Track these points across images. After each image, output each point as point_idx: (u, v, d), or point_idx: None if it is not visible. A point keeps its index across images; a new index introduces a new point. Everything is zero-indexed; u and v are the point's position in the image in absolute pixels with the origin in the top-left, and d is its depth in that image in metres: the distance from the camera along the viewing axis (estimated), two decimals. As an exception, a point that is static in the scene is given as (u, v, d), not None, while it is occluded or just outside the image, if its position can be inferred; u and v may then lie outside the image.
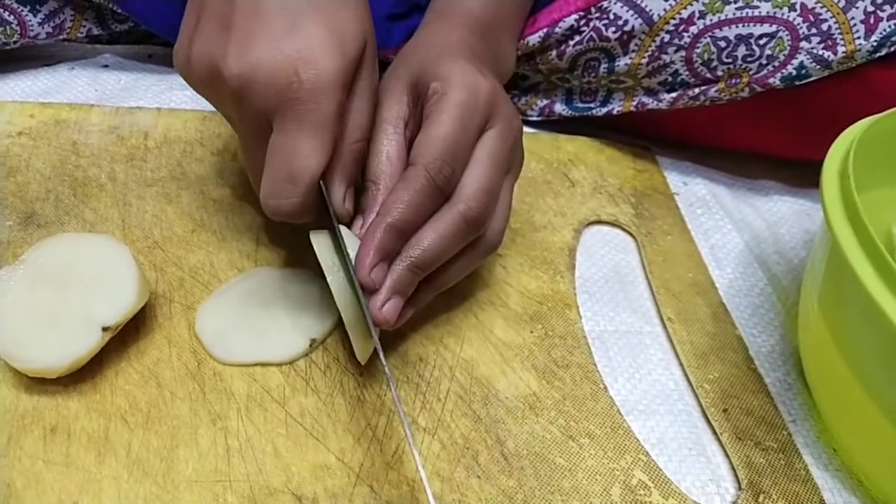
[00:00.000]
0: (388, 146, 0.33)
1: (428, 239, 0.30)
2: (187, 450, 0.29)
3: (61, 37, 0.47)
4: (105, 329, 0.30)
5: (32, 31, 0.45)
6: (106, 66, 0.49)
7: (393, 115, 0.33)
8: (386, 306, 0.30)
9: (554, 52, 0.45)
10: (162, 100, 0.47)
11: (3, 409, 0.29)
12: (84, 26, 0.47)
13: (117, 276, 0.32)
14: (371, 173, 0.33)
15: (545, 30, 0.44)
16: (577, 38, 0.44)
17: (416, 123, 0.33)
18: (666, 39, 0.42)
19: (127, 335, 0.32)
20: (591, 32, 0.44)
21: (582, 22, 0.44)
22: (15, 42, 0.45)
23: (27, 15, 0.45)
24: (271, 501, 0.28)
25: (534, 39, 0.45)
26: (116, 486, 0.27)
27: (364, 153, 0.32)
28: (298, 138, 0.29)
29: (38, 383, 0.30)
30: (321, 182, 0.30)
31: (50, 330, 0.30)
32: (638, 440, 0.32)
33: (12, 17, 0.44)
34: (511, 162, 0.34)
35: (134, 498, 0.27)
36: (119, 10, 0.47)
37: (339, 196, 0.31)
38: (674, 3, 0.41)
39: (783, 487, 0.31)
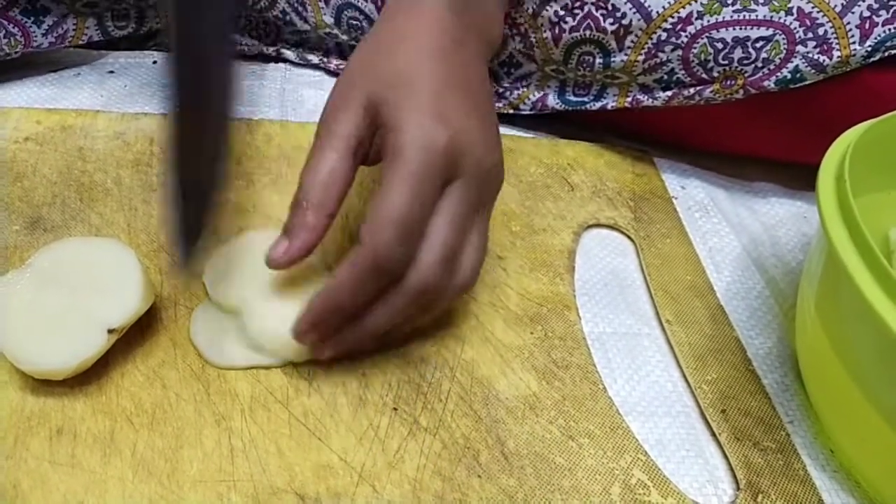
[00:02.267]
0: (336, 162, 0.30)
1: (380, 317, 0.30)
2: (192, 450, 0.29)
3: (63, 45, 0.47)
4: (111, 331, 0.30)
5: (36, 41, 0.46)
6: (111, 71, 0.50)
7: (344, 131, 0.31)
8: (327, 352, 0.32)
9: (549, 34, 0.45)
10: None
11: (9, 411, 0.30)
12: (85, 34, 0.48)
13: (123, 279, 0.32)
14: (307, 187, 0.30)
15: None
16: (572, 21, 0.43)
17: (365, 151, 0.32)
18: (663, 37, 0.42)
19: (132, 338, 0.32)
20: (588, 20, 0.43)
21: (577, 2, 0.43)
22: (17, 53, 0.46)
23: (31, 26, 0.45)
24: (275, 501, 0.28)
25: (529, 2, 0.44)
26: (122, 487, 0.28)
27: None
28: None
29: (45, 385, 0.30)
30: None
31: (56, 333, 0.30)
32: (637, 440, 0.33)
33: (16, 28, 0.45)
34: (480, 202, 0.32)
35: (139, 498, 0.28)
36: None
37: None
38: (672, 0, 0.42)
39: (782, 487, 0.32)
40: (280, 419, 0.31)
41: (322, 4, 0.50)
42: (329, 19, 0.50)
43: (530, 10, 0.44)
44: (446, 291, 0.31)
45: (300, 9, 0.50)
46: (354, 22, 0.50)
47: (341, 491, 0.29)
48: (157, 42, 0.53)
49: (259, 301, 0.33)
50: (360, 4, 0.49)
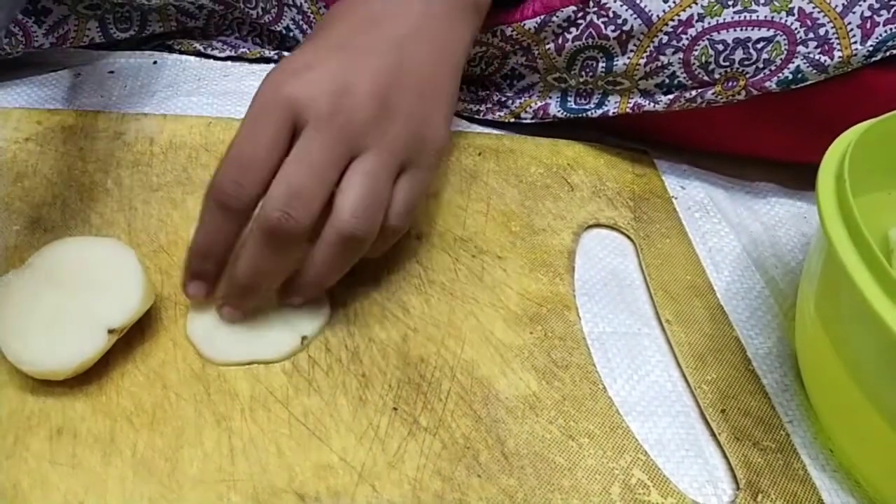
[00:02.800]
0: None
1: (247, 260, 0.31)
2: (192, 450, 0.29)
3: (64, 46, 0.47)
4: (111, 331, 0.30)
5: (37, 41, 0.46)
6: (112, 72, 0.50)
7: None
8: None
9: (552, 46, 0.45)
10: (167, 106, 0.47)
11: (9, 411, 0.30)
12: (87, 35, 0.48)
13: (123, 279, 0.32)
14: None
15: (542, 16, 0.44)
16: (575, 31, 0.44)
17: None
18: (664, 41, 0.43)
19: (133, 338, 0.33)
20: (590, 28, 0.44)
21: (579, 14, 0.43)
22: (18, 52, 0.46)
23: (32, 26, 0.45)
24: (275, 501, 0.28)
25: (530, 24, 0.44)
26: (122, 486, 0.28)
27: None
28: None
29: (45, 385, 0.30)
30: None
31: (56, 333, 0.30)
32: (637, 440, 0.33)
33: (17, 28, 0.45)
34: (346, 148, 0.31)
35: (139, 498, 0.28)
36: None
37: None
38: (673, 4, 0.42)
39: (782, 487, 0.32)
40: (280, 419, 0.31)
41: None
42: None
43: (532, 29, 0.45)
44: (371, 235, 0.32)
45: (305, 27, 0.51)
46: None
47: (341, 490, 0.29)
48: (158, 43, 0.53)
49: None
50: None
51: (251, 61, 0.53)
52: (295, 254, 0.32)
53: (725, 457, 0.33)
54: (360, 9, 0.36)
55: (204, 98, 0.48)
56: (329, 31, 0.35)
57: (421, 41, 0.35)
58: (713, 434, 0.34)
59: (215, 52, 0.52)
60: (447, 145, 0.35)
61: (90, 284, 0.32)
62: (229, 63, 0.52)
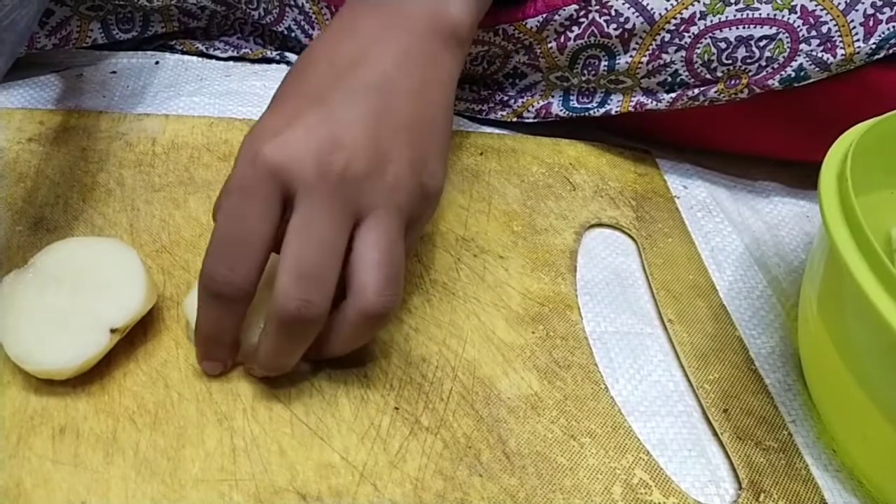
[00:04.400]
0: None
1: (267, 344, 0.30)
2: (194, 449, 0.29)
3: (67, 47, 0.48)
4: (113, 331, 0.30)
5: (39, 42, 0.46)
6: (114, 72, 0.50)
7: None
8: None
9: (554, 44, 0.45)
10: (169, 106, 0.47)
11: (12, 410, 0.30)
12: (89, 36, 0.48)
13: (125, 279, 0.32)
14: None
15: (544, 15, 0.44)
16: (577, 30, 0.44)
17: None
18: (666, 39, 0.43)
19: (135, 337, 0.33)
20: (592, 27, 0.43)
21: (581, 13, 0.43)
22: (20, 54, 0.46)
23: (35, 27, 0.46)
24: (276, 500, 0.28)
25: (532, 22, 0.44)
26: (124, 486, 0.28)
27: None
28: None
29: (48, 385, 0.30)
30: None
31: (59, 332, 0.30)
32: (639, 440, 0.33)
33: None
34: (347, 212, 0.29)
35: (141, 497, 0.28)
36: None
37: None
38: (675, 2, 0.42)
39: (784, 487, 0.32)
40: (282, 418, 0.31)
41: (329, 23, 0.50)
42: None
43: (534, 28, 0.44)
44: (342, 309, 0.29)
45: (307, 27, 0.51)
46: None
47: (343, 490, 0.29)
48: (160, 44, 0.53)
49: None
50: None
51: (253, 61, 0.53)
52: (315, 332, 0.29)
53: (728, 456, 0.33)
54: (334, 53, 0.32)
55: (206, 98, 0.48)
56: (303, 80, 0.32)
57: (406, 78, 0.31)
58: (715, 434, 0.33)
59: (217, 53, 0.52)
60: (442, 188, 0.32)
61: (92, 284, 0.32)
62: (231, 63, 0.53)
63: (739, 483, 0.32)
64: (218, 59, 0.53)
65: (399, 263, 0.29)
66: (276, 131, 0.28)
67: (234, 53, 0.53)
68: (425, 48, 0.33)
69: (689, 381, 0.36)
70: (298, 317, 0.28)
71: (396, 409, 0.32)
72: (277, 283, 0.28)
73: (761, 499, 0.31)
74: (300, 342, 0.29)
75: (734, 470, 0.32)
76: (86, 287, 0.31)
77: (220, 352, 0.31)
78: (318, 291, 0.28)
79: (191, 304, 0.32)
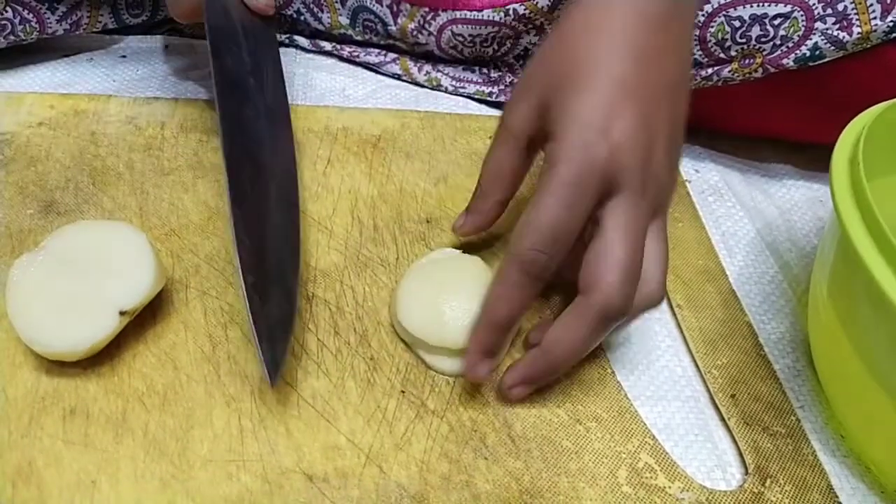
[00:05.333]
0: (504, 155, 0.33)
1: (565, 343, 0.30)
2: (202, 430, 0.30)
3: (77, 32, 0.48)
4: (123, 313, 0.31)
5: (50, 28, 0.46)
6: (124, 56, 0.50)
7: (515, 128, 0.32)
8: (514, 392, 0.32)
9: None
10: (178, 90, 0.47)
11: (24, 391, 0.30)
12: (100, 21, 0.48)
13: (135, 262, 0.32)
14: (482, 177, 0.34)
15: None
16: None
17: (536, 146, 0.33)
18: None
19: (144, 320, 0.33)
20: None
21: None
22: (32, 39, 0.46)
23: (45, 13, 0.46)
24: (283, 480, 0.28)
25: (543, 2, 0.44)
26: (133, 466, 0.28)
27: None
28: None
29: (58, 366, 0.31)
30: None
31: (69, 315, 0.31)
32: (645, 424, 0.32)
33: (31, 15, 0.45)
34: (650, 212, 0.30)
35: (150, 477, 0.28)
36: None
37: None
38: None
39: (791, 472, 0.31)
40: (289, 401, 0.31)
41: (338, 6, 0.50)
42: (345, 20, 0.51)
43: (545, 7, 0.44)
44: (630, 309, 0.30)
45: (316, 10, 0.51)
46: (369, 24, 0.50)
47: (349, 471, 0.29)
48: (169, 28, 0.53)
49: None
50: (374, 8, 0.49)
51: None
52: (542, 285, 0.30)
53: (734, 442, 0.33)
54: (629, 44, 0.31)
55: (215, 82, 0.48)
56: (603, 57, 0.31)
57: (685, 80, 0.33)
58: (722, 419, 0.33)
59: (226, 36, 0.52)
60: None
61: (102, 267, 0.32)
62: (240, 46, 0.52)
63: (746, 468, 0.32)
64: (227, 42, 0.53)
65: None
66: (604, 129, 0.29)
67: (244, 38, 0.52)
68: (691, 33, 0.35)
69: (696, 366, 0.36)
70: (620, 311, 0.29)
71: (402, 392, 0.32)
72: (601, 281, 0.29)
73: (767, 484, 0.31)
74: (522, 295, 0.30)
75: (741, 455, 0.32)
76: (96, 270, 0.32)
77: (500, 340, 0.30)
78: (634, 287, 0.29)
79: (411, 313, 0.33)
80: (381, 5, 0.49)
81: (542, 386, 0.32)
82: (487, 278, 0.32)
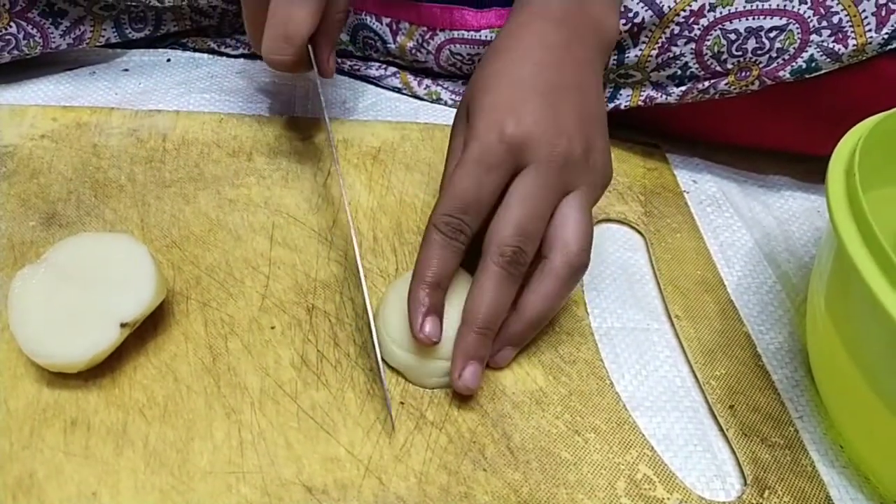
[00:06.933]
0: (452, 169, 0.35)
1: (485, 296, 0.32)
2: (202, 442, 0.30)
3: (81, 46, 0.48)
4: (124, 325, 0.31)
5: (54, 42, 0.47)
6: (126, 69, 0.51)
7: (456, 142, 0.36)
8: (500, 356, 0.34)
9: None
10: (180, 103, 0.48)
11: (25, 403, 0.30)
12: (103, 36, 0.49)
13: (136, 274, 0.32)
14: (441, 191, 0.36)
15: None
16: None
17: None
18: (676, 31, 0.42)
19: (145, 331, 0.33)
20: None
21: None
22: (36, 53, 0.46)
23: (49, 28, 0.46)
24: (283, 492, 0.29)
25: None
26: (133, 477, 0.28)
27: (344, 23, 0.41)
28: (293, 7, 0.36)
29: (60, 378, 0.31)
30: (309, 44, 0.39)
31: (71, 326, 0.31)
32: (643, 435, 0.33)
33: (35, 30, 0.46)
34: (560, 185, 0.34)
35: (150, 488, 0.28)
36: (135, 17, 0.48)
37: (324, 56, 0.40)
38: None
39: (789, 483, 0.31)
40: (289, 412, 0.31)
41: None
42: (345, 37, 0.52)
43: None
44: (547, 263, 0.33)
45: None
46: (369, 41, 0.51)
47: (348, 483, 0.29)
48: (171, 42, 0.53)
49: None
50: (374, 26, 0.51)
51: (260, 58, 0.53)
52: (518, 282, 0.33)
53: (733, 452, 0.33)
54: (533, 55, 0.37)
55: (216, 95, 0.49)
56: (509, 73, 0.36)
57: (595, 81, 0.38)
58: (721, 430, 0.33)
59: (228, 50, 0.53)
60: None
61: (104, 279, 0.32)
62: (242, 60, 0.53)
63: (744, 479, 0.32)
64: (229, 56, 0.53)
65: (591, 229, 0.34)
66: (512, 113, 0.34)
67: (246, 51, 0.53)
68: (597, 58, 0.40)
69: (695, 376, 0.36)
70: (513, 260, 0.32)
71: (402, 403, 0.32)
72: (496, 235, 0.32)
73: (766, 495, 0.31)
74: (509, 287, 0.33)
75: (739, 466, 0.32)
76: (97, 282, 0.32)
77: (439, 298, 0.32)
78: (529, 244, 0.33)
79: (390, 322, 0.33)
80: (381, 24, 0.50)
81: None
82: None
